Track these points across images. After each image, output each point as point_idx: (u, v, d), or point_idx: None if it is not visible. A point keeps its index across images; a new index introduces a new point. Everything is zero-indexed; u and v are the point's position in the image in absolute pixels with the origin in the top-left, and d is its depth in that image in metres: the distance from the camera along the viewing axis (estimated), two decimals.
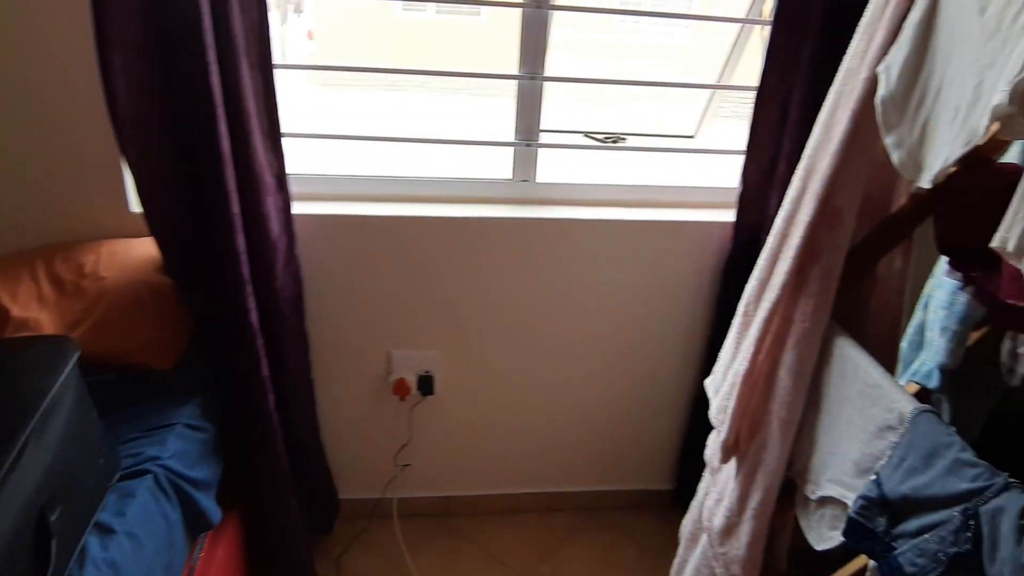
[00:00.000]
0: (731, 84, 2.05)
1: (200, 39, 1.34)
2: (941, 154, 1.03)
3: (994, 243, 0.96)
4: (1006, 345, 1.41)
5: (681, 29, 8.23)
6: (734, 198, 1.91)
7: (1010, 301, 1.10)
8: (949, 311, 1.44)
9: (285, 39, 7.23)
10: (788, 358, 1.35)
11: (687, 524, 1.72)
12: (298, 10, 7.58)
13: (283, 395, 1.74)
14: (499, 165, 1.98)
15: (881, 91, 1.13)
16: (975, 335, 1.46)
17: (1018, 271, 1.06)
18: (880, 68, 1.13)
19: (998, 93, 0.91)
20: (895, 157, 1.13)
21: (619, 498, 2.30)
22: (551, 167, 1.97)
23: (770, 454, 1.40)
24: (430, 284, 1.90)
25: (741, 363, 1.43)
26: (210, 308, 1.57)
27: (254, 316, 1.57)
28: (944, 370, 1.46)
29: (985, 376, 1.47)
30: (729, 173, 2.08)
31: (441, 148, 4.01)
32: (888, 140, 1.14)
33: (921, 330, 1.57)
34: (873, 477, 1.13)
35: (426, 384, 1.98)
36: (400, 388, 1.96)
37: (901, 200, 1.35)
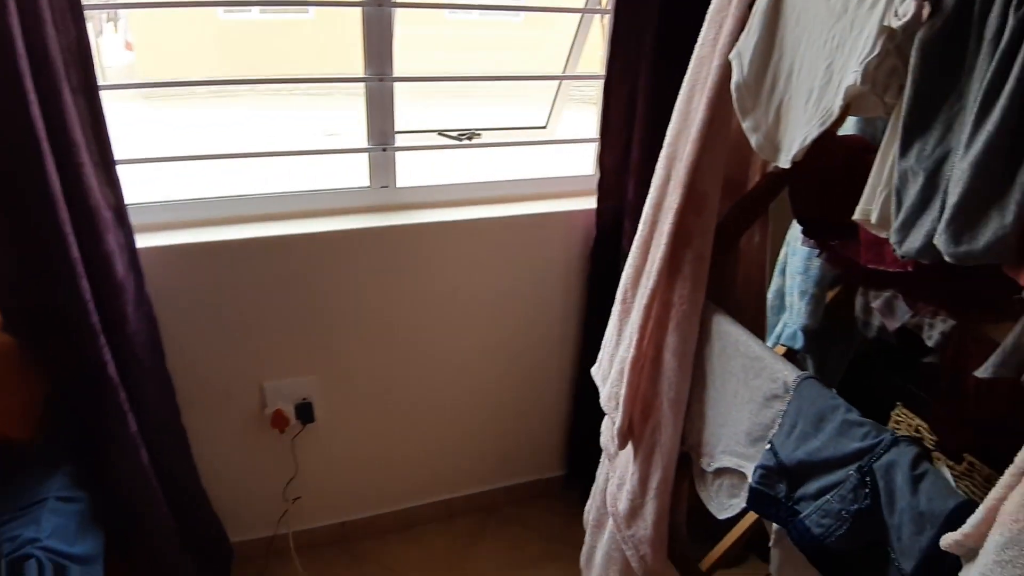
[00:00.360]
0: (577, 74, 2.08)
1: (14, 65, 1.16)
2: (798, 135, 1.08)
3: (857, 216, 1.02)
4: (859, 301, 1.53)
5: (522, 19, 8.27)
6: (593, 185, 1.94)
7: (871, 266, 1.18)
8: (805, 275, 1.55)
9: (102, 53, 6.53)
10: (671, 340, 1.39)
11: (590, 511, 1.74)
12: (112, 19, 6.87)
13: (155, 447, 1.59)
14: (355, 172, 1.89)
15: (735, 77, 1.17)
16: (830, 294, 1.57)
17: (875, 238, 1.15)
18: (732, 55, 1.17)
19: (850, 74, 0.96)
20: (753, 141, 1.17)
21: (516, 492, 2.31)
22: (410, 170, 1.91)
23: (664, 434, 1.43)
24: (295, 307, 1.78)
25: (626, 350, 1.46)
26: (63, 365, 1.41)
27: (112, 368, 1.41)
28: (806, 331, 1.56)
29: (842, 331, 1.59)
30: (585, 160, 2.12)
31: (292, 158, 3.80)
32: (746, 124, 1.18)
33: (780, 295, 1.67)
34: (768, 446, 1.19)
35: (305, 412, 1.87)
36: (278, 420, 1.83)
37: (756, 178, 1.42)
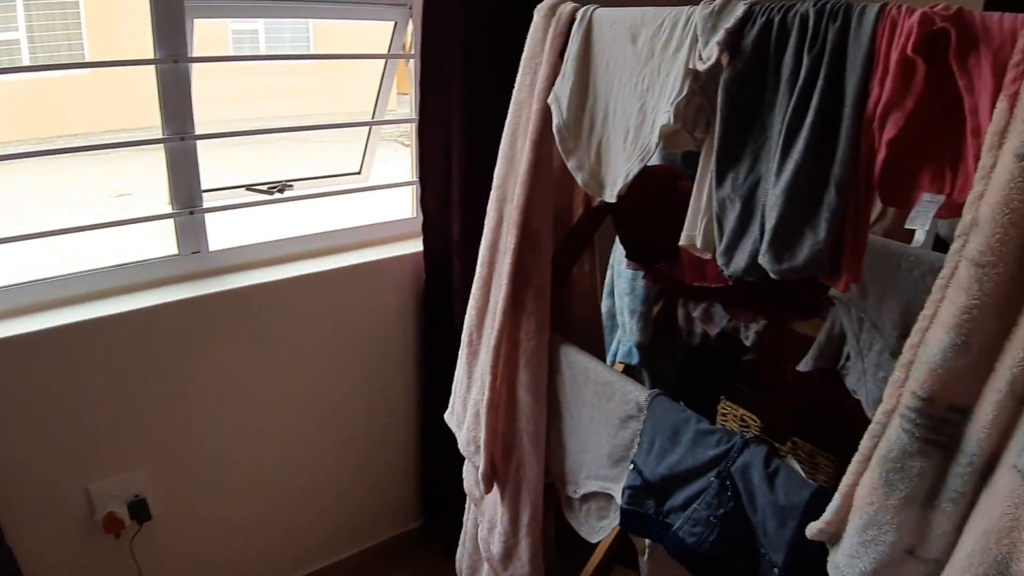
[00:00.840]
0: (388, 119, 2.06)
1: None
2: (621, 171, 1.15)
3: (683, 242, 1.10)
4: (680, 312, 1.65)
5: (320, 67, 7.98)
6: (416, 227, 1.93)
7: (696, 284, 1.28)
8: (632, 295, 1.64)
9: None
10: (523, 377, 1.41)
11: (462, 560, 1.71)
12: None
13: None
14: (158, 233, 1.72)
15: (556, 120, 1.22)
16: (656, 309, 1.68)
17: (696, 258, 1.24)
18: (550, 99, 1.23)
19: (663, 114, 1.04)
20: (579, 178, 1.23)
21: (379, 551, 2.21)
22: (223, 230, 1.77)
23: (528, 470, 1.45)
24: (112, 396, 1.58)
25: (479, 392, 1.46)
26: None
27: None
28: (640, 346, 1.66)
29: (670, 341, 1.70)
30: (404, 202, 2.11)
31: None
32: (570, 164, 1.23)
33: (612, 315, 1.76)
34: (631, 466, 1.24)
35: (140, 510, 1.65)
36: (111, 524, 1.61)
37: (580, 210, 1.49)
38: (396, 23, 1.89)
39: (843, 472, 0.88)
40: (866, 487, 0.83)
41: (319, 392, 1.92)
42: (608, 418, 1.31)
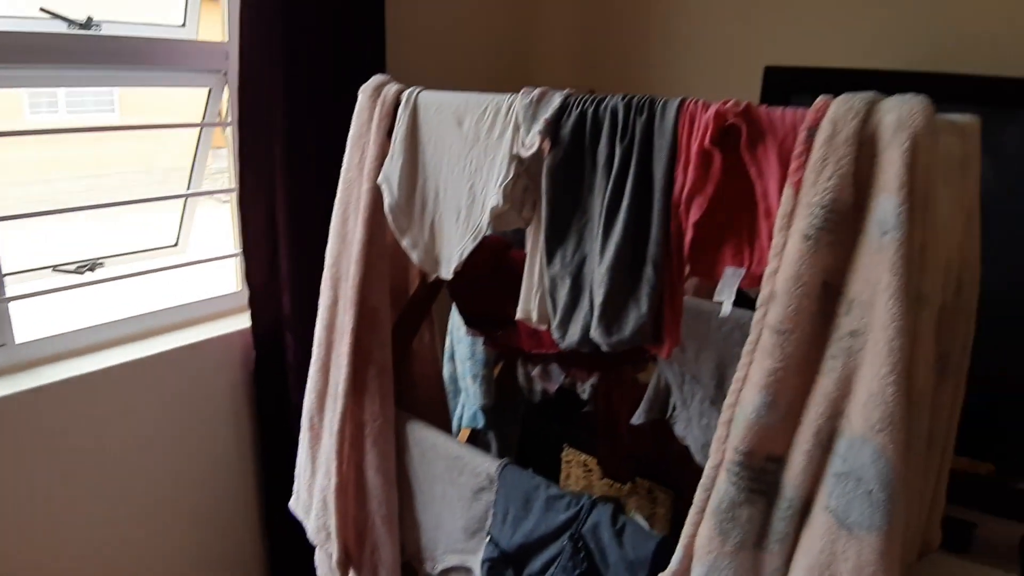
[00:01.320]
0: (206, 190, 1.96)
1: None
2: (455, 249, 1.17)
3: (519, 316, 1.15)
4: (520, 372, 1.69)
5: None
6: (242, 302, 1.84)
7: (533, 351, 1.32)
8: (473, 360, 1.67)
9: None
10: (371, 458, 1.38)
11: None
12: None
13: None
14: None
15: (387, 200, 1.23)
16: (496, 370, 1.72)
17: (533, 327, 1.29)
18: (380, 180, 1.23)
19: (492, 196, 1.08)
20: (414, 256, 1.24)
21: None
22: (32, 317, 1.59)
23: (384, 552, 1.41)
24: None
25: (326, 478, 1.41)
26: None
27: None
28: (485, 409, 1.68)
29: (512, 400, 1.74)
30: (227, 275, 2.00)
31: None
32: (404, 242, 1.25)
33: (454, 379, 1.78)
34: (488, 538, 1.25)
35: None
36: None
37: (416, 282, 1.50)
38: (211, 89, 1.81)
39: (680, 503, 0.95)
40: (704, 537, 0.90)
41: (148, 489, 1.75)
42: (461, 492, 1.31)
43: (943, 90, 1.42)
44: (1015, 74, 1.47)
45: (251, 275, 1.81)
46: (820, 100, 0.81)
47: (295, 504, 1.54)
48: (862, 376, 0.81)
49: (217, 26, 1.78)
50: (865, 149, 0.78)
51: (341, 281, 1.34)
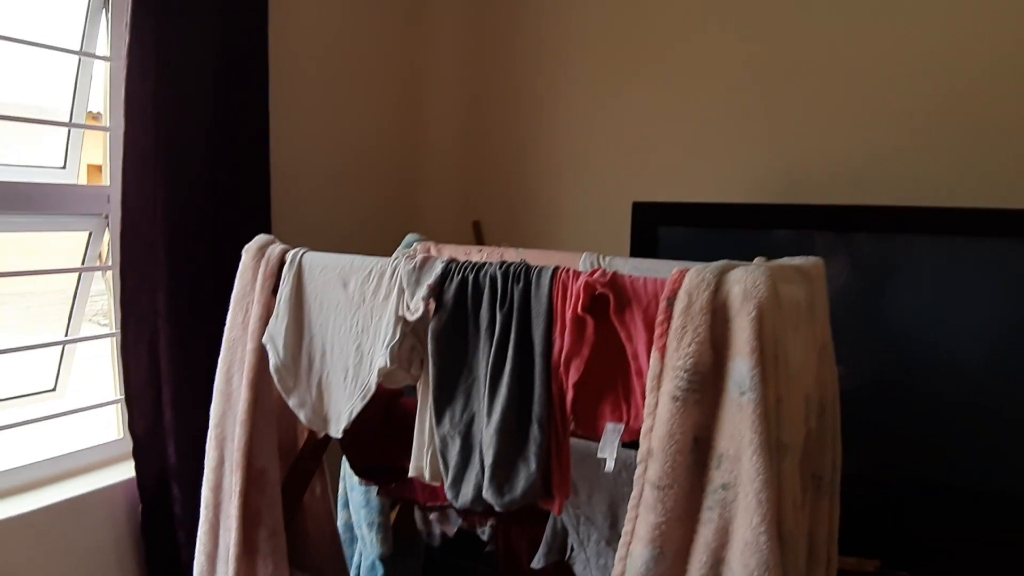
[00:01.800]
0: (84, 336, 1.87)
1: None
2: (344, 408, 1.17)
3: (412, 473, 1.15)
4: (418, 516, 1.66)
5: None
6: (124, 450, 1.73)
7: (428, 504, 1.31)
8: (369, 508, 1.62)
9: None
10: None
11: None
12: None
13: None
14: None
15: (272, 360, 1.22)
16: (393, 515, 1.67)
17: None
18: (265, 340, 1.23)
19: (379, 356, 1.10)
20: (302, 416, 1.23)
21: None
22: None
23: None
24: None
25: None
26: None
27: None
28: (383, 558, 1.63)
29: (411, 545, 1.69)
30: (109, 421, 1.88)
31: None
32: (291, 402, 1.23)
33: (349, 527, 1.72)
34: None
35: None
36: None
37: (304, 435, 1.46)
38: (91, 232, 1.76)
39: None
40: None
41: None
42: None
43: (791, 219, 1.61)
44: (848, 201, 1.66)
45: (134, 425, 1.71)
46: (676, 271, 0.89)
47: None
48: (737, 526, 0.85)
49: (98, 151, 1.75)
50: (718, 316, 0.86)
51: (227, 442, 1.30)
